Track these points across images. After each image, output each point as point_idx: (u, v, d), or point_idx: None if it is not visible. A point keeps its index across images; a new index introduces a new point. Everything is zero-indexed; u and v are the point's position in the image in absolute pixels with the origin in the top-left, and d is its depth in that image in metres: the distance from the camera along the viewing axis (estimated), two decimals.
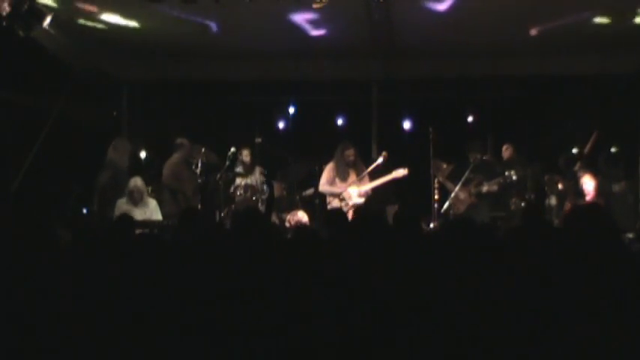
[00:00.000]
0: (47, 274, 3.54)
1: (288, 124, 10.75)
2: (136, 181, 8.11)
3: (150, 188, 8.91)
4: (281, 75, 10.14)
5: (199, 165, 8.77)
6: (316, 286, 3.41)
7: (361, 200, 8.47)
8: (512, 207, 8.61)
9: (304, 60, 9.84)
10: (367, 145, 10.00)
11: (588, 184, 7.89)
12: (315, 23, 8.38)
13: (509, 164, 8.92)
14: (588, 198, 7.84)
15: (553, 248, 3.54)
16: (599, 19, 8.14)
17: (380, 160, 8.59)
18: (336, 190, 8.53)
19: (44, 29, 7.43)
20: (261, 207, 8.78)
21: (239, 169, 9.13)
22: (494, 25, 8.42)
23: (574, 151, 9.00)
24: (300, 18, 8.24)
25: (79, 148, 9.12)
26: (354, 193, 8.52)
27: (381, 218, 4.85)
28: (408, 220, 4.74)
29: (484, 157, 9.05)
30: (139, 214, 7.71)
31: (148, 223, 7.48)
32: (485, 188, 8.78)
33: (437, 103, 10.31)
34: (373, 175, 8.63)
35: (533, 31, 8.61)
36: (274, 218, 8.84)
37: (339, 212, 6.53)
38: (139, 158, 9.97)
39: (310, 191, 9.52)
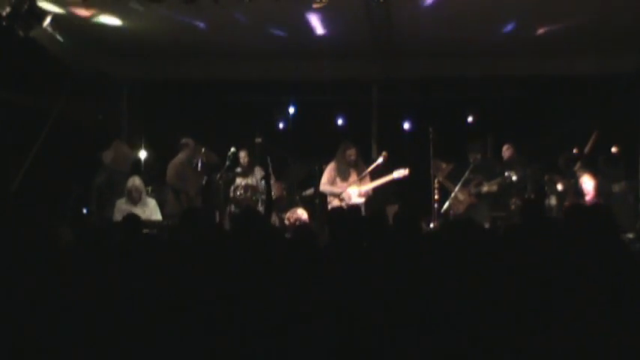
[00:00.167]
0: (47, 274, 3.54)
1: (288, 124, 10.75)
2: (135, 181, 8.12)
3: (150, 188, 8.92)
4: (281, 75, 10.13)
5: (199, 165, 8.77)
6: (316, 286, 3.41)
7: (361, 200, 8.47)
8: (512, 207, 8.60)
9: (304, 60, 9.84)
10: (367, 145, 10.00)
11: (588, 183, 7.88)
12: (315, 23, 8.39)
13: (509, 164, 8.92)
14: (588, 198, 7.83)
15: (552, 245, 3.54)
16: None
17: (380, 160, 8.59)
18: (336, 189, 8.53)
19: (44, 29, 7.44)
20: (261, 207, 8.77)
21: (239, 169, 9.13)
22: (495, 25, 8.44)
23: (574, 151, 8.99)
24: (300, 18, 8.24)
25: (79, 148, 9.12)
26: (355, 192, 8.52)
27: (384, 218, 4.85)
28: (408, 220, 4.73)
29: (484, 157, 9.04)
30: (138, 214, 7.70)
31: (147, 223, 7.47)
32: (484, 188, 8.78)
33: (437, 103, 10.30)
34: (373, 175, 8.63)
35: (541, 30, 8.60)
36: (274, 218, 8.84)
37: (342, 211, 6.49)
38: (139, 158, 9.97)
39: (310, 191, 9.52)
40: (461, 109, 10.44)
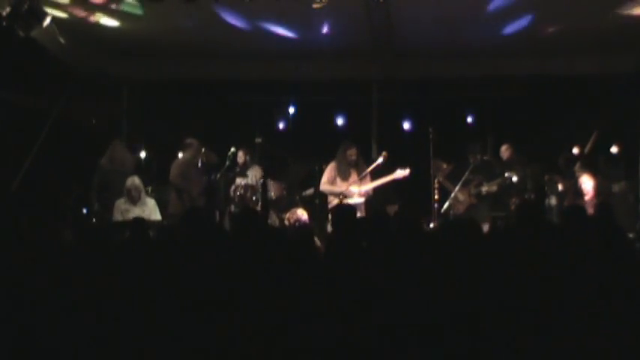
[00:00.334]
0: (47, 274, 3.54)
1: (288, 124, 10.75)
2: (134, 180, 8.13)
3: (150, 188, 8.92)
4: (281, 75, 10.13)
5: (199, 165, 8.77)
6: (316, 286, 3.41)
7: (361, 200, 8.47)
8: (512, 207, 8.60)
9: (304, 60, 9.84)
10: (367, 145, 9.99)
11: (587, 183, 7.88)
12: (315, 23, 8.39)
13: (509, 164, 8.92)
14: (587, 198, 7.83)
15: (550, 246, 3.54)
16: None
17: (380, 160, 8.58)
18: (336, 189, 8.52)
19: (44, 29, 7.44)
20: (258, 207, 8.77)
21: (238, 169, 9.13)
22: (495, 25, 8.44)
23: (574, 151, 8.99)
24: (300, 18, 8.25)
25: (79, 148, 9.12)
26: (355, 192, 8.51)
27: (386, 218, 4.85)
28: (408, 220, 4.73)
29: (484, 158, 9.04)
30: (137, 213, 7.72)
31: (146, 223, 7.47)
32: (484, 189, 8.78)
33: (437, 103, 10.30)
34: (373, 176, 8.62)
35: (541, 31, 8.61)
36: (274, 218, 8.84)
37: (346, 207, 6.45)
38: (139, 158, 9.97)
39: (310, 191, 9.51)
40: (461, 109, 10.44)
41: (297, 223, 8.50)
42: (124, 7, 7.88)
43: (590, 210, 7.25)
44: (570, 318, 2.90)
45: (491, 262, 3.45)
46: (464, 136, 9.58)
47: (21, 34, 7.13)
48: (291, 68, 9.94)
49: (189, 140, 8.77)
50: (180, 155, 8.91)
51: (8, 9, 6.91)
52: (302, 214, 8.67)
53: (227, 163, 8.84)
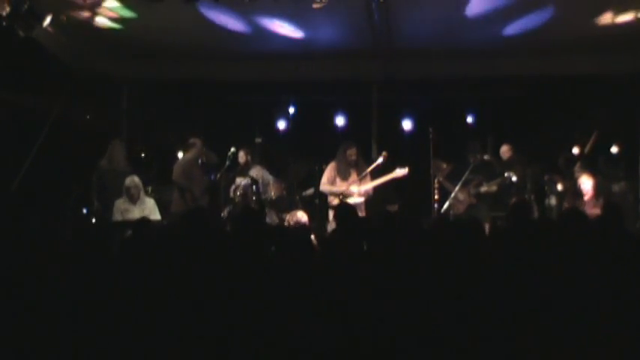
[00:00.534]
0: (47, 274, 3.54)
1: (288, 124, 10.75)
2: (133, 179, 8.14)
3: (150, 188, 8.92)
4: (281, 75, 10.13)
5: (199, 165, 8.77)
6: (316, 285, 3.41)
7: (361, 200, 8.47)
8: None
9: (304, 60, 9.83)
10: (367, 145, 9.99)
11: (586, 183, 7.87)
12: (315, 23, 8.39)
13: (508, 164, 8.92)
14: (586, 198, 7.82)
15: (544, 246, 3.54)
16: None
17: (380, 160, 8.59)
18: (336, 189, 8.52)
19: (44, 29, 7.44)
20: (256, 206, 8.76)
21: (239, 169, 9.13)
22: (496, 25, 8.44)
23: (574, 151, 8.99)
24: (300, 18, 8.25)
25: (79, 148, 9.12)
26: (355, 192, 8.52)
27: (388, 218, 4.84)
28: (408, 220, 4.74)
29: (484, 158, 9.04)
30: (137, 213, 7.74)
31: None
32: (484, 189, 8.78)
33: (437, 103, 10.30)
34: (373, 175, 8.63)
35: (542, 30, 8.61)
36: (274, 218, 8.83)
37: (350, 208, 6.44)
38: (139, 158, 9.97)
39: (310, 191, 9.51)
40: (461, 109, 10.44)
41: (296, 226, 8.49)
42: (119, 12, 7.90)
43: (590, 210, 7.25)
44: (570, 318, 2.90)
45: (491, 262, 3.45)
46: (464, 136, 9.58)
47: (21, 34, 7.13)
48: (291, 68, 9.93)
49: (192, 140, 8.77)
50: (180, 155, 8.91)
51: (8, 9, 6.91)
52: (302, 216, 8.65)
53: (227, 163, 8.84)
